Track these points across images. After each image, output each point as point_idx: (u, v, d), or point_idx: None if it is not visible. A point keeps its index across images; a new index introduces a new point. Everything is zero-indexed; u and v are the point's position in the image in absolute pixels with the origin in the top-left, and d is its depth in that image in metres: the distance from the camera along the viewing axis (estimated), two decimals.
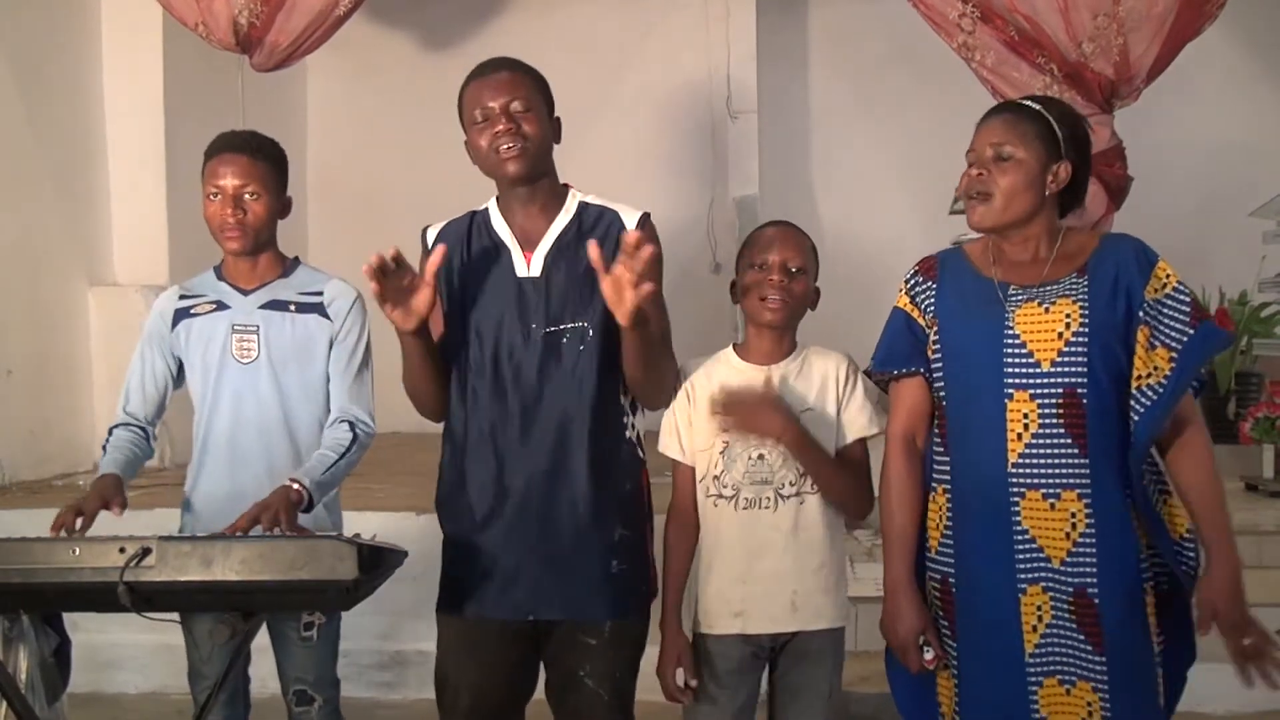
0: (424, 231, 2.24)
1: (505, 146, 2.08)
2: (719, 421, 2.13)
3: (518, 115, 2.09)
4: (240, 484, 2.36)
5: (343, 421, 2.40)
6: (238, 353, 2.40)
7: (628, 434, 2.17)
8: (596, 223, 2.16)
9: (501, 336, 2.12)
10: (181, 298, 2.47)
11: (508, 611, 2.11)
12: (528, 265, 2.14)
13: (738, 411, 2.11)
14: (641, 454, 2.20)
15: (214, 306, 2.43)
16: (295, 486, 2.25)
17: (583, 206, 2.18)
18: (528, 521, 2.10)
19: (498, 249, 2.17)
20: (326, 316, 2.43)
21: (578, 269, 2.11)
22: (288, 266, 2.48)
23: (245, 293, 2.43)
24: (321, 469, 2.32)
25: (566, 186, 2.22)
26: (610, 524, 2.11)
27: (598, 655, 2.11)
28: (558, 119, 2.19)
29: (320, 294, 2.45)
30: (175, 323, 2.45)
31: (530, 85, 2.14)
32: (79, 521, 2.19)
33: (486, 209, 2.22)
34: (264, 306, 2.42)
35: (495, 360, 2.12)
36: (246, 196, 2.36)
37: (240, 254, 2.41)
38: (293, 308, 2.42)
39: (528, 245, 2.15)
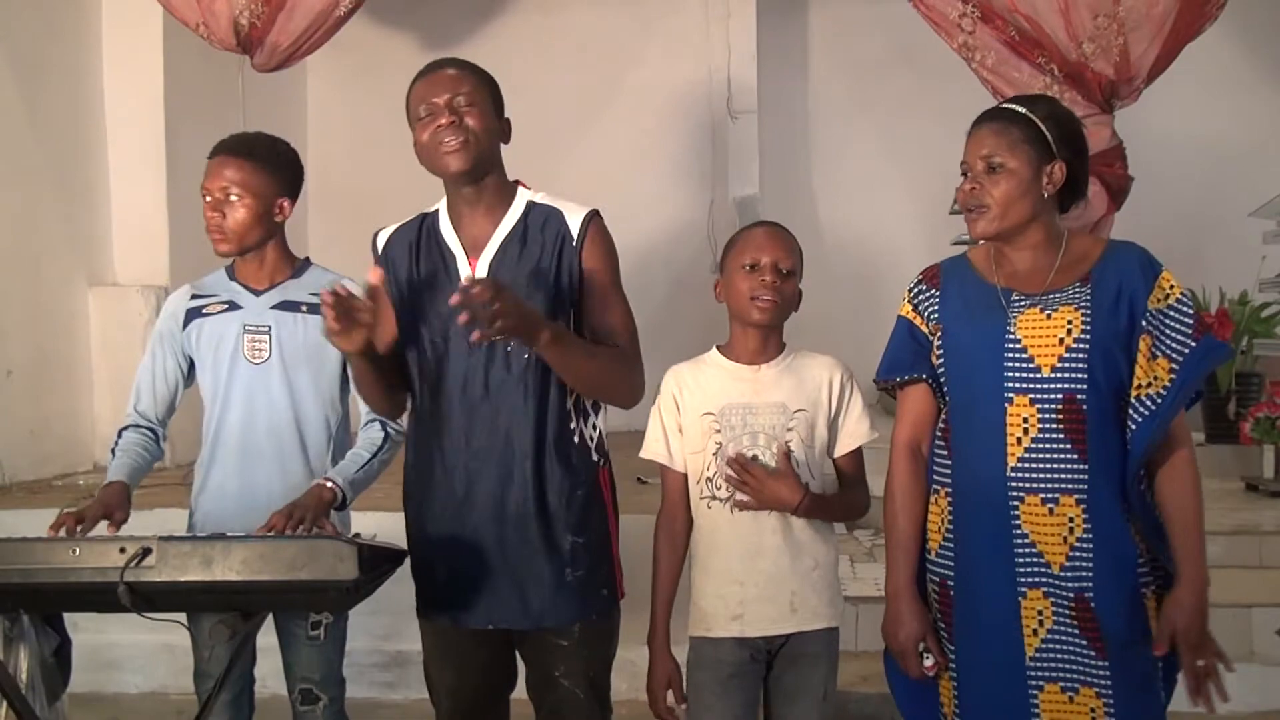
0: (374, 236, 2.23)
1: (447, 140, 2.06)
2: (735, 495, 2.12)
3: (461, 109, 2.07)
4: (250, 482, 2.37)
5: (374, 420, 2.41)
6: (249, 353, 2.40)
7: (576, 440, 2.14)
8: (544, 223, 2.13)
9: (449, 345, 2.09)
10: (193, 297, 2.47)
11: (472, 620, 2.11)
12: (473, 271, 2.11)
13: (753, 483, 2.11)
14: (596, 457, 2.17)
15: (225, 306, 2.43)
16: (329, 485, 2.27)
17: (530, 206, 2.16)
18: (481, 532, 2.09)
19: (444, 255, 2.14)
20: None
21: (524, 272, 2.09)
22: (298, 267, 2.49)
23: (257, 293, 2.44)
24: (355, 468, 2.34)
25: (516, 184, 2.19)
26: (560, 533, 2.09)
27: (571, 656, 2.12)
28: (507, 120, 2.17)
29: None
30: (187, 322, 2.45)
31: (476, 82, 2.12)
32: (79, 528, 2.19)
33: (437, 211, 2.20)
34: (276, 307, 2.43)
35: (442, 370, 2.11)
36: (232, 199, 2.36)
37: (227, 255, 2.43)
38: (304, 309, 2.42)
39: (474, 250, 2.12)
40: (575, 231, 2.12)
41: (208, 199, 2.37)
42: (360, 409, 2.43)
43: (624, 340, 2.14)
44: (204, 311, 2.44)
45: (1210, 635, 1.92)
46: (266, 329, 2.41)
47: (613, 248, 2.17)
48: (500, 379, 2.08)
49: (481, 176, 2.12)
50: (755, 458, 2.13)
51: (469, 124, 2.07)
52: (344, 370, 2.42)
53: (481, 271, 2.10)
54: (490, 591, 2.09)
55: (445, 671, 2.19)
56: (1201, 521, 1.95)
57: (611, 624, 2.19)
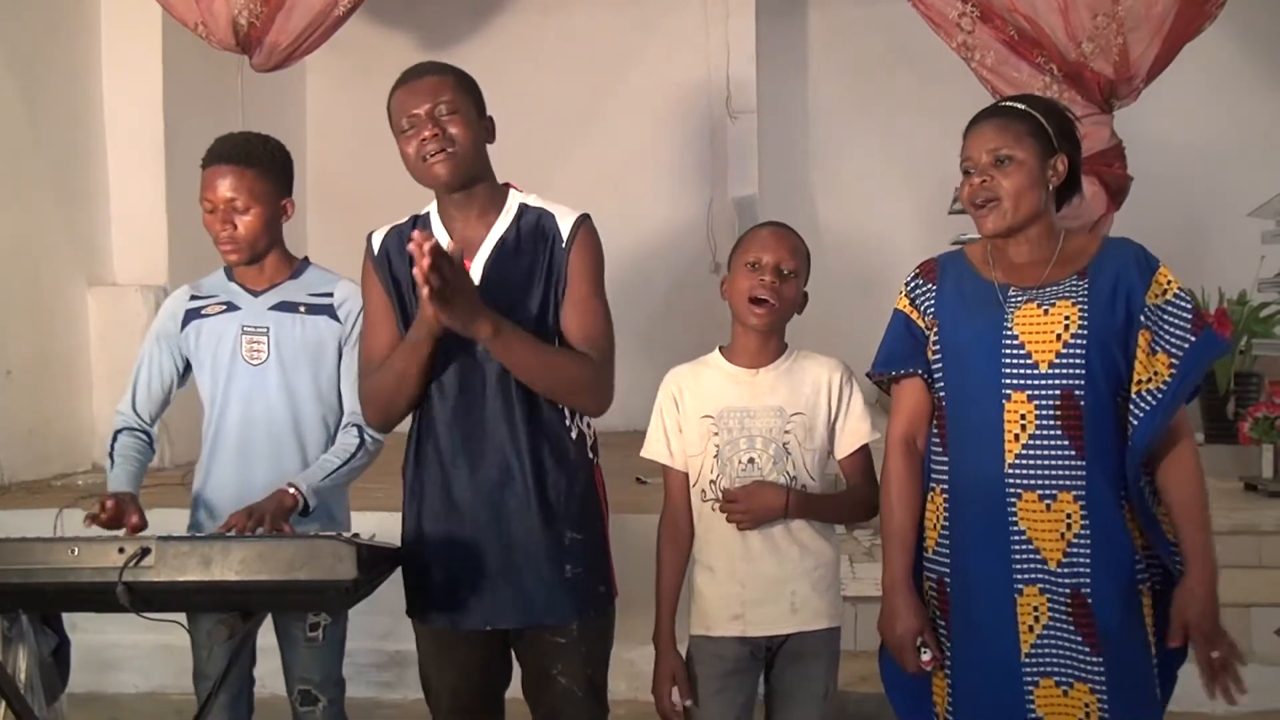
0: (369, 237, 2.21)
1: (431, 152, 2.04)
2: (734, 519, 2.12)
3: (443, 119, 2.05)
4: (247, 483, 2.37)
5: (352, 426, 2.40)
6: (247, 354, 2.40)
7: (573, 435, 2.14)
8: (536, 225, 2.12)
9: (441, 343, 2.06)
10: (192, 298, 2.47)
11: (468, 622, 2.10)
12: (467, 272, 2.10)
13: (738, 507, 2.11)
14: (591, 455, 2.18)
15: (224, 307, 2.43)
16: (291, 491, 2.26)
17: (522, 208, 2.14)
18: (478, 532, 2.08)
19: None
20: (336, 318, 2.43)
21: (516, 273, 2.09)
22: (297, 267, 2.48)
23: (255, 294, 2.43)
24: (321, 475, 2.33)
25: (507, 186, 2.18)
26: (560, 528, 2.09)
27: (568, 653, 2.11)
28: (490, 119, 2.15)
29: (330, 295, 2.45)
30: (185, 323, 2.45)
31: (455, 87, 2.09)
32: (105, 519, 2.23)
33: (428, 213, 2.19)
34: (274, 308, 2.42)
35: (436, 368, 2.09)
36: (237, 209, 2.35)
37: (239, 264, 2.42)
38: (302, 309, 2.42)
39: (467, 252, 2.10)
40: (565, 234, 2.10)
41: (210, 210, 2.36)
42: (346, 408, 2.42)
43: (596, 348, 2.10)
44: (203, 313, 2.44)
45: (1223, 627, 1.92)
46: (265, 330, 2.40)
47: (599, 253, 2.14)
48: (495, 376, 2.07)
49: (471, 183, 2.11)
50: (752, 460, 2.14)
51: (453, 133, 2.05)
52: (340, 369, 2.42)
53: (475, 273, 2.09)
54: (488, 592, 2.08)
55: (447, 672, 2.19)
56: (1207, 512, 1.95)
57: (608, 621, 2.19)
